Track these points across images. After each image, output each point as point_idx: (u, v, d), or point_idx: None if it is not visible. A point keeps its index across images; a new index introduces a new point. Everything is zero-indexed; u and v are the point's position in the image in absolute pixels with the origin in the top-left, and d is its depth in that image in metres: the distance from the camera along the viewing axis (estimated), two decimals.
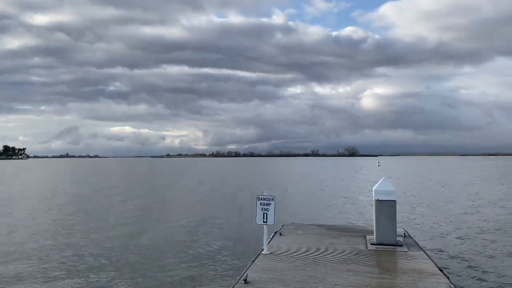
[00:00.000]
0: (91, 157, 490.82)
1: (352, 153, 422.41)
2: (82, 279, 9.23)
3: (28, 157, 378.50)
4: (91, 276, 9.43)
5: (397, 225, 8.75)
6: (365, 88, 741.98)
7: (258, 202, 8.07)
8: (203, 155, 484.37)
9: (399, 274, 6.56)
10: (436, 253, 10.93)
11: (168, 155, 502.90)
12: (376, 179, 23.68)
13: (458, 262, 10.26)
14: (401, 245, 8.38)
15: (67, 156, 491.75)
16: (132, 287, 8.75)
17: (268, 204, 8.02)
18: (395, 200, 8.49)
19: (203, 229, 15.28)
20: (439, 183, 38.76)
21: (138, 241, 13.29)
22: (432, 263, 7.25)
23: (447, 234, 13.90)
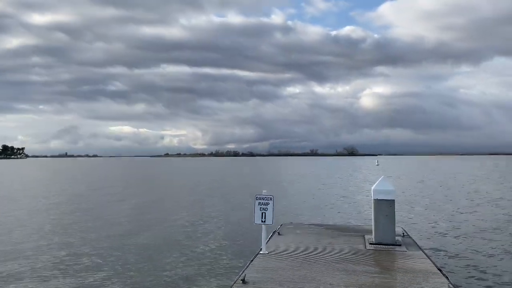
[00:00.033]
0: (90, 156, 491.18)
1: (351, 152, 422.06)
2: (79, 278, 9.20)
3: (27, 156, 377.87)
4: (88, 275, 9.40)
5: (396, 224, 8.73)
6: (364, 87, 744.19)
7: (257, 202, 8.03)
8: (202, 155, 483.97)
9: (398, 274, 6.54)
10: (435, 253, 10.93)
11: (167, 155, 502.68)
12: (375, 178, 23.69)
13: (457, 262, 10.25)
14: (400, 245, 8.35)
15: (66, 155, 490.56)
16: (130, 286, 8.72)
17: (266, 204, 7.98)
18: (394, 200, 8.45)
19: (201, 228, 15.25)
20: (439, 182, 38.75)
21: (136, 240, 13.26)
22: (431, 262, 7.23)
23: (446, 234, 13.88)
